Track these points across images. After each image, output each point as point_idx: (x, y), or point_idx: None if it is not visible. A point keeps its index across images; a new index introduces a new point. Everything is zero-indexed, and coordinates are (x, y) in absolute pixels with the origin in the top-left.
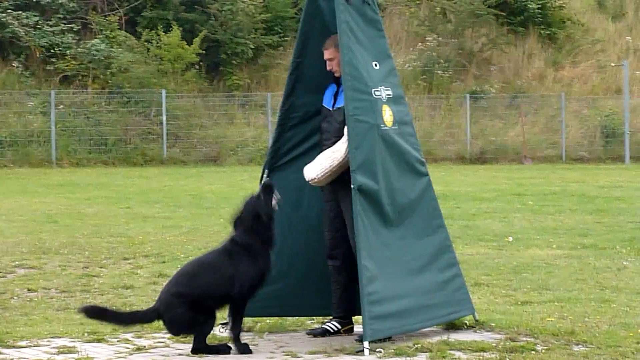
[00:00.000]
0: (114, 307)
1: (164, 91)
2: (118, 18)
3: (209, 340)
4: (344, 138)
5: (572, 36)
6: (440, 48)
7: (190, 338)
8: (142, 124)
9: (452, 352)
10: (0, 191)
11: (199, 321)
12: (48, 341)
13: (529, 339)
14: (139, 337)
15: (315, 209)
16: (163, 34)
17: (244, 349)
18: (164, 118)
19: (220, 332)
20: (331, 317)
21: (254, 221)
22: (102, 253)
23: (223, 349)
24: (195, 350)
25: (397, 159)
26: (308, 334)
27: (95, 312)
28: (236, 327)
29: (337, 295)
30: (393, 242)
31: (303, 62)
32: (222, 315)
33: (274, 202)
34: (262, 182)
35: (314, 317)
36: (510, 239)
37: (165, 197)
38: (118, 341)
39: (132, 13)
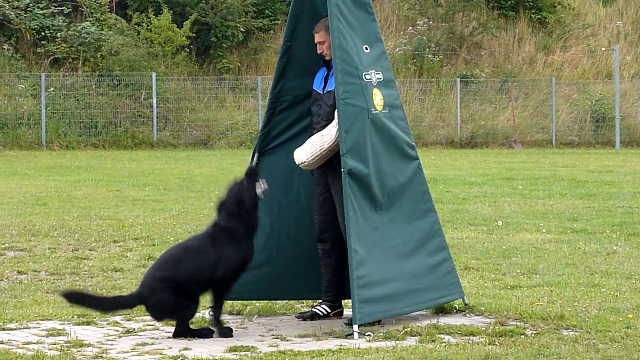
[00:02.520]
0: (97, 292)
1: (154, 74)
2: (108, 1)
3: (196, 324)
4: (334, 122)
5: (563, 20)
6: (431, 32)
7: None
8: (132, 107)
9: (441, 335)
10: None
11: (183, 305)
12: (37, 323)
13: (518, 323)
14: (129, 319)
15: (305, 193)
16: (153, 16)
17: (225, 332)
18: (154, 101)
19: (208, 316)
20: (321, 301)
21: (236, 206)
22: (91, 236)
23: (205, 333)
24: (177, 334)
25: (387, 143)
26: (297, 317)
27: (76, 297)
28: (217, 311)
29: (326, 278)
30: (382, 226)
31: (293, 46)
32: (207, 299)
33: (258, 189)
34: (247, 167)
35: (304, 301)
36: (500, 223)
37: (155, 180)
38: (107, 324)
39: None
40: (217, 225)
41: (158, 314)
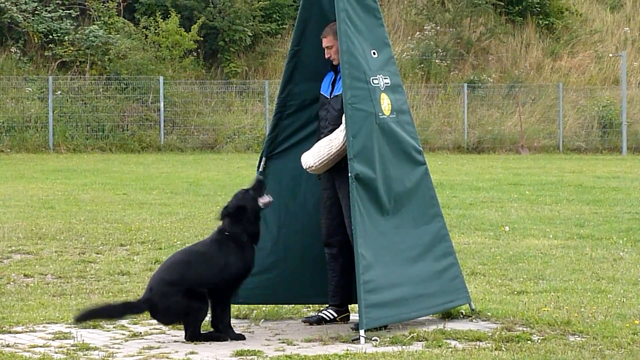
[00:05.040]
0: (103, 302)
1: (161, 78)
2: (116, 4)
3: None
4: (342, 126)
5: (570, 26)
6: (438, 37)
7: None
8: (140, 111)
9: (447, 341)
10: None
11: (194, 308)
12: (44, 327)
13: (524, 329)
14: (135, 323)
15: (312, 197)
16: (161, 20)
17: (237, 336)
18: (162, 105)
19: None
20: (327, 305)
21: (240, 213)
22: (98, 239)
23: (217, 337)
24: (190, 338)
25: (395, 148)
26: (304, 321)
27: (87, 316)
28: (225, 316)
29: (333, 283)
30: (389, 230)
31: (301, 50)
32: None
33: (261, 201)
34: (256, 178)
35: (310, 305)
36: (507, 228)
37: (162, 184)
38: (114, 327)
39: None
40: (222, 231)
41: (168, 319)
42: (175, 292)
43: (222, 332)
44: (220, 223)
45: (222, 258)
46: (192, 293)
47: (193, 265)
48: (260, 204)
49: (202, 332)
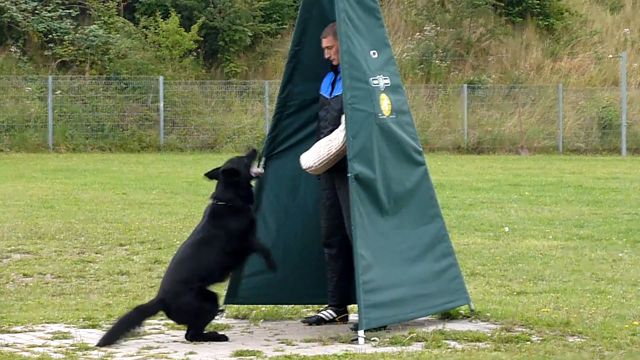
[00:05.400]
0: (118, 320)
1: (161, 78)
2: (116, 4)
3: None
4: (342, 126)
5: (570, 27)
6: (438, 37)
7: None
8: (139, 110)
9: (447, 341)
10: None
11: (205, 310)
12: (43, 326)
13: (524, 330)
14: None
15: (311, 197)
16: (161, 20)
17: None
18: (161, 104)
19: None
20: (326, 306)
21: (232, 177)
22: (98, 239)
23: (217, 337)
24: (192, 338)
25: (394, 148)
26: (303, 322)
27: (110, 339)
28: (265, 251)
29: (332, 283)
30: (389, 231)
31: (301, 50)
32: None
33: (254, 170)
34: (250, 146)
35: (310, 305)
36: (506, 229)
37: (162, 184)
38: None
39: None
40: (216, 198)
41: (181, 318)
42: (187, 290)
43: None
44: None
45: (224, 230)
46: (203, 293)
47: (201, 256)
48: (252, 173)
49: (207, 332)
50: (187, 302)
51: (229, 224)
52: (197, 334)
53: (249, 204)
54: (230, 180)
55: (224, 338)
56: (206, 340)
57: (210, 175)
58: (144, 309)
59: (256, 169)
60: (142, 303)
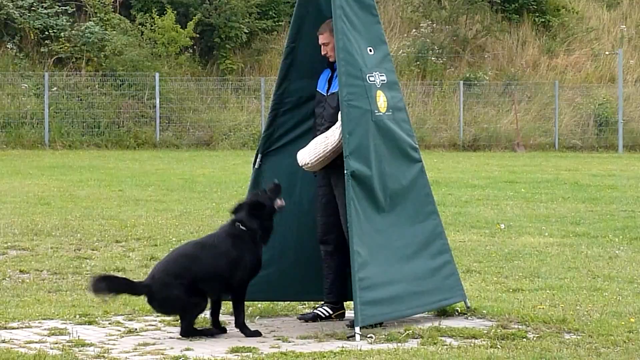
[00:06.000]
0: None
1: (157, 74)
2: (112, 1)
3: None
4: (338, 123)
5: (567, 24)
6: (434, 34)
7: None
8: (135, 107)
9: (443, 338)
10: None
11: (192, 303)
12: (39, 323)
13: (520, 327)
14: (131, 319)
15: (307, 194)
16: (157, 17)
17: (254, 333)
18: (157, 101)
19: (209, 317)
20: (323, 302)
21: (257, 210)
22: (94, 235)
23: (211, 333)
24: (185, 333)
25: (390, 145)
26: (299, 318)
27: (100, 282)
28: (240, 315)
29: (328, 280)
30: (385, 228)
31: (297, 47)
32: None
33: (278, 203)
34: (273, 182)
35: (306, 302)
36: (502, 226)
37: (158, 181)
38: (109, 323)
39: None
40: (239, 223)
41: (165, 309)
42: (177, 285)
43: (239, 329)
44: (231, 216)
45: (236, 252)
46: (193, 289)
47: (202, 259)
48: (276, 206)
49: (200, 327)
50: (174, 295)
51: (243, 250)
52: (189, 328)
53: (264, 242)
54: (255, 212)
55: (218, 333)
56: (199, 336)
57: (236, 210)
58: (131, 284)
59: (279, 202)
60: (133, 279)
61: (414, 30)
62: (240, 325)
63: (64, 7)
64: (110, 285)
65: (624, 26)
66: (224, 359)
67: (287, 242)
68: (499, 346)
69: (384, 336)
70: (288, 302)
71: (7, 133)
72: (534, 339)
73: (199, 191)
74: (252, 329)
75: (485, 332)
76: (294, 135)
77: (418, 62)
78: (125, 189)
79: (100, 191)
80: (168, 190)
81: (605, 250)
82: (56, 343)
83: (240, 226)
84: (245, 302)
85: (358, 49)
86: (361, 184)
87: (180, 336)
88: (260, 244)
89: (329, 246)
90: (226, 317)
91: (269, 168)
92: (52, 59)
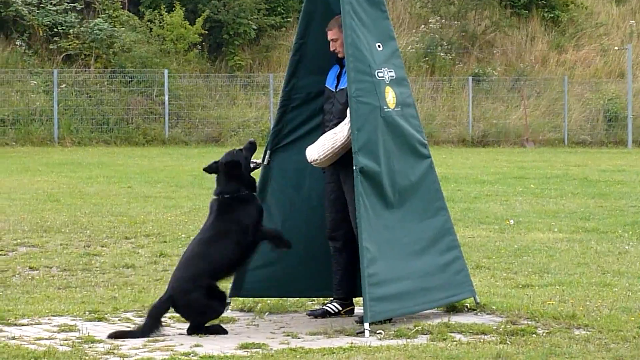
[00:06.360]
0: (137, 326)
1: (166, 71)
2: None
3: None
4: (347, 119)
5: (576, 19)
6: (443, 30)
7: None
8: (144, 104)
9: (452, 334)
10: (2, 170)
11: (212, 307)
12: (49, 319)
13: (529, 322)
14: (140, 316)
15: (316, 191)
16: (166, 13)
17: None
18: (166, 98)
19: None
20: (332, 299)
21: (233, 169)
22: (103, 232)
23: (220, 330)
24: (193, 332)
25: (399, 141)
26: (308, 315)
27: (148, 331)
28: (277, 241)
29: (337, 276)
30: (394, 224)
31: (306, 43)
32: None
33: (254, 160)
34: (248, 140)
35: (315, 298)
36: (512, 222)
37: (167, 177)
38: (119, 320)
39: None
40: (222, 193)
41: (191, 315)
42: (196, 287)
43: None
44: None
45: (236, 224)
46: (213, 291)
47: (212, 253)
48: (252, 164)
49: (208, 325)
50: (195, 299)
51: (240, 217)
52: (198, 328)
53: (254, 192)
54: (231, 172)
55: (223, 331)
56: (207, 333)
57: (210, 169)
58: (154, 311)
59: (255, 160)
60: (153, 302)
61: (423, 26)
62: (278, 238)
63: (72, 4)
64: (151, 329)
65: (633, 21)
66: (233, 355)
67: (296, 239)
68: (508, 342)
69: (393, 332)
70: (297, 298)
71: (16, 130)
72: (544, 334)
73: (208, 187)
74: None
75: (495, 328)
76: (302, 132)
77: (427, 58)
78: (135, 186)
79: (110, 188)
80: (177, 186)
81: (615, 246)
82: (66, 340)
83: (224, 196)
84: (255, 298)
85: (367, 45)
86: (370, 180)
87: (187, 334)
88: (250, 197)
89: (338, 242)
90: (234, 314)
91: (278, 164)
92: (61, 56)
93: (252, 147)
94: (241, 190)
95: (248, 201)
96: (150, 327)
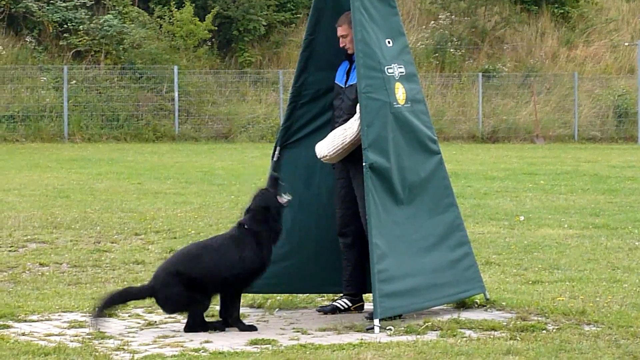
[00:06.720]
0: (109, 292)
1: (176, 67)
2: None
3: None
4: (356, 116)
5: (586, 15)
6: (453, 26)
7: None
8: (154, 100)
9: (462, 330)
10: (13, 166)
11: (195, 300)
12: (59, 315)
13: (539, 319)
14: (150, 312)
15: (326, 187)
16: (175, 10)
17: (248, 327)
18: (176, 94)
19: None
20: (342, 295)
21: (263, 213)
22: (113, 228)
23: (219, 326)
24: (189, 328)
25: (409, 137)
26: (318, 311)
27: (100, 310)
28: (234, 310)
29: (347, 272)
30: (404, 220)
31: (315, 39)
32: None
33: (284, 198)
34: (270, 175)
35: (325, 295)
36: (522, 218)
37: (176, 174)
38: (129, 316)
39: None
40: (242, 225)
41: (168, 308)
42: (178, 282)
43: (232, 325)
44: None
45: (237, 253)
46: (195, 285)
47: (203, 259)
48: (282, 202)
49: (208, 321)
50: (177, 293)
51: (244, 252)
52: (193, 325)
53: (274, 242)
54: (261, 217)
55: (222, 327)
56: (206, 330)
57: (246, 212)
58: (132, 291)
59: (283, 198)
60: (134, 285)
61: (433, 21)
62: (235, 320)
63: (82, 0)
64: (112, 303)
65: None
66: (243, 351)
67: (306, 235)
68: (518, 338)
69: (403, 328)
70: (307, 294)
71: (26, 126)
72: (554, 330)
73: (218, 184)
74: (247, 324)
75: (505, 324)
76: (312, 128)
77: (437, 54)
78: (144, 182)
79: (120, 184)
80: (187, 183)
81: (625, 242)
82: (76, 336)
83: (244, 226)
84: (265, 294)
85: (376, 41)
86: (379, 176)
87: (184, 331)
88: (265, 245)
89: (348, 238)
90: (244, 310)
91: (288, 160)
92: (71, 52)
93: (275, 183)
94: (262, 232)
95: (258, 249)
96: (111, 302)
